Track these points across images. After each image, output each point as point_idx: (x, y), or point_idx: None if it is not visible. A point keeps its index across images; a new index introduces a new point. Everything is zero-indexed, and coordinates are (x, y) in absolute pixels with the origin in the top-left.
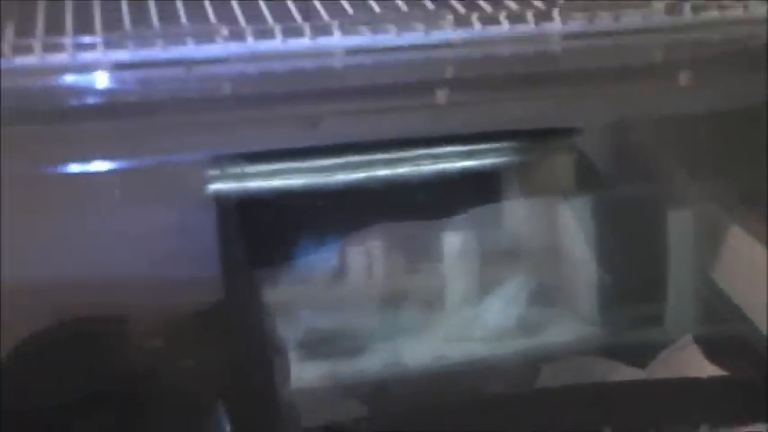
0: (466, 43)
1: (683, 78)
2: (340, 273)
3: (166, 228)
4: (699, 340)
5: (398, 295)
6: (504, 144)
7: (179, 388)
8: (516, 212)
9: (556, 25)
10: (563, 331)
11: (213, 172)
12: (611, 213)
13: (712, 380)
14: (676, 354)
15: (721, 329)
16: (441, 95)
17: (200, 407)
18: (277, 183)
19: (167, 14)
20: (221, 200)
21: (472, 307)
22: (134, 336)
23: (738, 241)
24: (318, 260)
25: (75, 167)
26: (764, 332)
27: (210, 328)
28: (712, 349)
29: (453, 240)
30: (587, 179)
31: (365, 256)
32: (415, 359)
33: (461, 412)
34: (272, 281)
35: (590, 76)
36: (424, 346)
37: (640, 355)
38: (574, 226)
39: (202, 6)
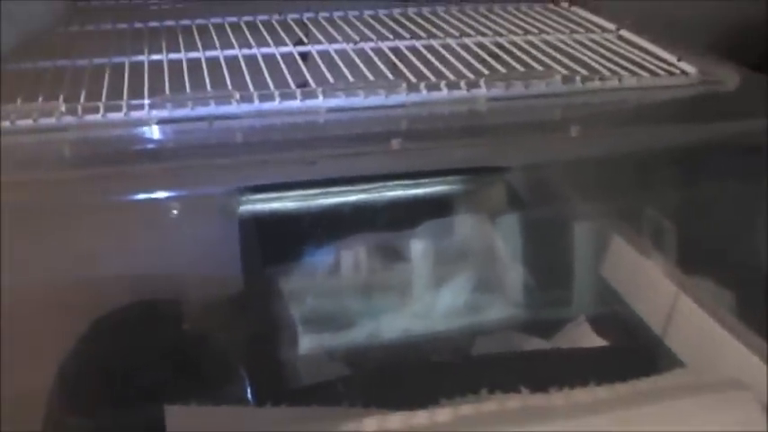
0: (415, 104)
1: (574, 131)
2: (333, 269)
3: (204, 239)
4: (590, 320)
5: (377, 285)
6: (447, 178)
7: (213, 355)
8: (461, 226)
9: (482, 91)
10: (495, 312)
11: (235, 199)
12: (530, 227)
13: (599, 349)
14: (573, 330)
15: (607, 311)
16: (395, 143)
17: (228, 368)
18: (284, 205)
19: (197, 82)
20: (242, 219)
21: (431, 294)
22: (183, 316)
23: (620, 247)
24: (317, 260)
25: (134, 197)
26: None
27: (236, 311)
28: (600, 326)
29: (417, 246)
30: (512, 202)
31: (352, 257)
32: (387, 333)
33: (416, 373)
34: (284, 275)
35: (508, 128)
36: (395, 323)
37: (549, 329)
38: (503, 236)
39: (223, 76)
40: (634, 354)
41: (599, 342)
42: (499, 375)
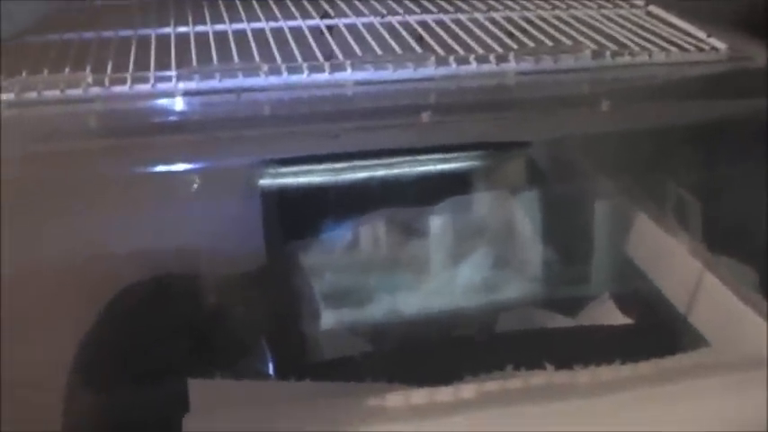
0: (444, 78)
1: (605, 106)
2: (354, 244)
3: (226, 213)
4: (614, 297)
5: (396, 261)
6: (472, 153)
7: (234, 329)
8: (482, 202)
9: (511, 65)
10: (515, 289)
11: (259, 172)
12: (552, 203)
13: (623, 327)
14: (597, 307)
15: (631, 289)
16: (425, 116)
17: (249, 343)
18: (307, 179)
19: (224, 54)
20: (265, 192)
21: (449, 270)
22: (204, 290)
23: (644, 224)
24: (338, 235)
25: (158, 168)
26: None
27: (257, 285)
28: (624, 304)
29: (436, 222)
30: (534, 178)
31: (372, 232)
32: (407, 309)
33: (439, 350)
34: (305, 250)
35: (536, 103)
36: (415, 299)
37: (572, 307)
38: (524, 212)
39: (250, 48)
40: (658, 332)
41: (623, 320)
42: (523, 352)
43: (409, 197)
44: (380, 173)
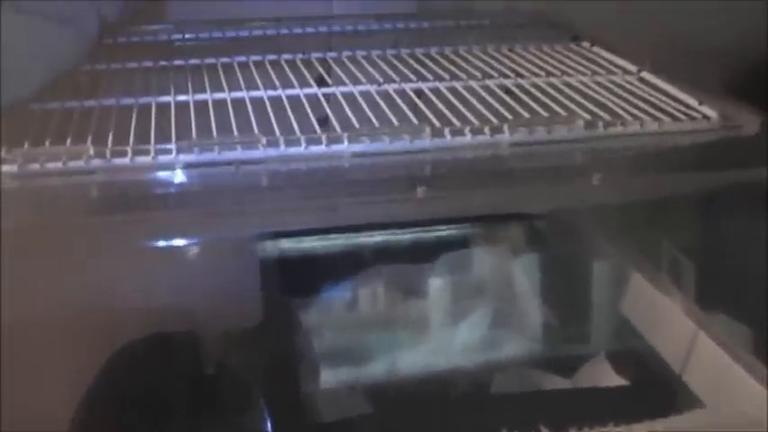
0: (439, 149)
1: (596, 179)
2: (352, 304)
3: (226, 279)
4: (609, 357)
5: (395, 320)
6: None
7: (233, 387)
8: (481, 263)
9: (506, 136)
10: (513, 348)
11: (257, 244)
12: (550, 264)
13: (617, 388)
14: (593, 367)
15: (626, 348)
16: (420, 192)
17: (248, 401)
18: (305, 247)
19: (223, 123)
20: (264, 261)
21: (449, 329)
22: (202, 348)
23: (639, 285)
24: (336, 295)
25: (158, 243)
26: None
27: (256, 342)
28: (619, 363)
29: (435, 281)
30: (532, 241)
31: (370, 291)
32: (406, 367)
33: (436, 411)
34: (303, 309)
35: (529, 174)
36: (414, 359)
37: (569, 366)
38: (521, 273)
39: (249, 116)
40: (653, 392)
41: (618, 380)
42: (519, 413)
43: (406, 262)
44: (377, 240)
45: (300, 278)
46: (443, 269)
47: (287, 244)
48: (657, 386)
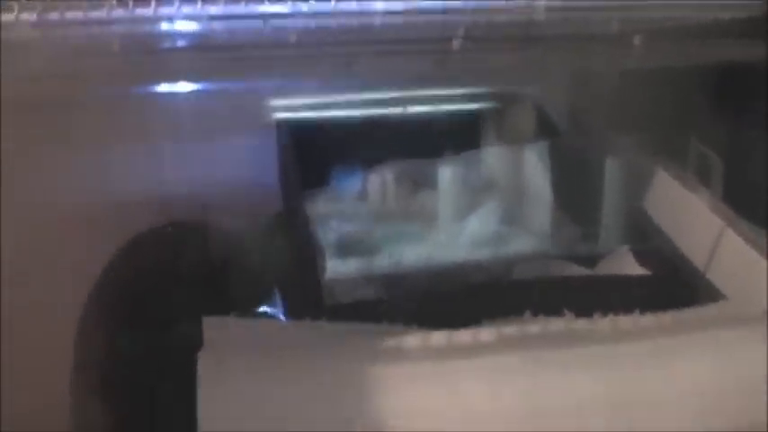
0: (473, 11)
1: (636, 40)
2: (363, 194)
3: (242, 150)
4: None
5: (404, 212)
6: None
7: (247, 276)
8: (492, 155)
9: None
10: (523, 245)
11: (275, 103)
12: (567, 157)
13: (642, 277)
14: (616, 259)
15: (648, 246)
16: (456, 43)
17: (261, 290)
18: (321, 113)
19: None
20: (280, 125)
21: (457, 223)
22: (215, 238)
23: (663, 181)
24: (349, 184)
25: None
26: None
27: (271, 231)
28: (641, 259)
29: (445, 173)
30: (548, 131)
31: (381, 182)
32: (414, 260)
33: (456, 295)
34: (317, 199)
35: (564, 39)
36: (422, 251)
37: (586, 264)
38: (536, 166)
39: None
40: (677, 284)
41: (640, 271)
42: (542, 299)
43: (420, 142)
44: (394, 112)
45: (317, 161)
46: (454, 163)
47: (304, 112)
48: (681, 279)
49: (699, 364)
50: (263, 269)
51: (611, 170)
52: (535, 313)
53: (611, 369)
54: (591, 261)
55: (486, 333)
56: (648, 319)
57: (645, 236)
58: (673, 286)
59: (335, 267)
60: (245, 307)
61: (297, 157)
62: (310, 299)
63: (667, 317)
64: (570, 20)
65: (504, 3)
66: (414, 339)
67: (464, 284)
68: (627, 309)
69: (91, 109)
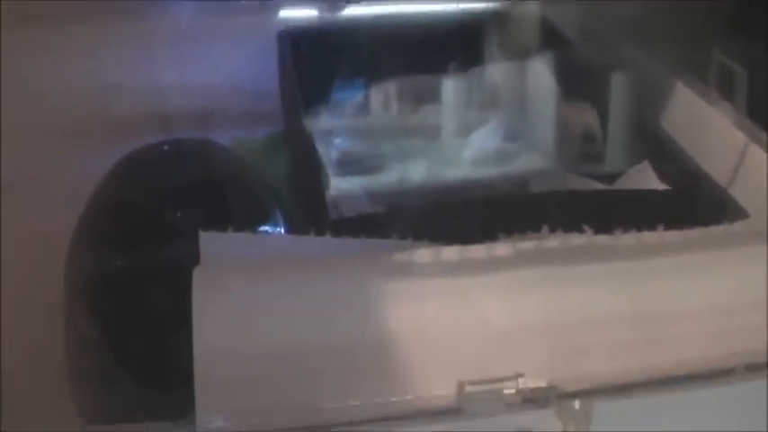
0: None
1: None
2: (365, 110)
3: (243, 59)
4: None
5: (407, 128)
6: None
7: (250, 191)
8: (496, 71)
9: None
10: (529, 162)
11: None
12: (574, 70)
13: (665, 192)
14: (636, 175)
15: (667, 164)
16: None
17: (264, 206)
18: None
19: None
20: (282, 37)
21: (461, 139)
22: (216, 152)
23: (682, 95)
24: (350, 100)
25: None
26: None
27: (274, 146)
28: (661, 175)
29: (448, 88)
30: (551, 42)
31: (383, 97)
32: (418, 177)
33: (469, 208)
34: (316, 113)
35: None
36: (425, 168)
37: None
38: (540, 79)
39: None
40: (700, 199)
41: (661, 186)
42: (560, 213)
43: (423, 55)
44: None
45: (316, 79)
46: (457, 78)
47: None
48: (705, 194)
49: (722, 280)
50: (263, 187)
51: (625, 84)
52: (553, 229)
53: (633, 283)
54: (610, 178)
55: (501, 248)
56: (672, 235)
57: (663, 154)
58: (695, 201)
59: (339, 184)
60: (245, 226)
61: (299, 71)
62: (314, 214)
63: (692, 233)
64: None
65: None
66: (424, 254)
67: (476, 198)
68: (649, 224)
69: (88, 16)
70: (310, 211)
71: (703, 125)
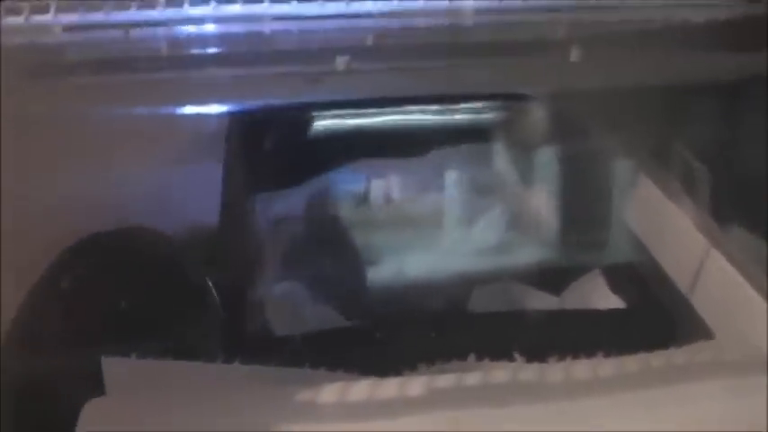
0: (384, 15)
1: (576, 54)
2: (363, 199)
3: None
4: (606, 272)
5: (406, 218)
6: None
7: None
8: (499, 158)
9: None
10: (529, 253)
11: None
12: (535, 157)
13: (610, 312)
14: (586, 284)
15: (627, 261)
16: (341, 62)
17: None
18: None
19: None
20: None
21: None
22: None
23: (647, 190)
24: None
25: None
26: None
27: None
28: (617, 278)
29: (451, 176)
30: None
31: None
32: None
33: (396, 330)
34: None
35: (496, 48)
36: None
37: (558, 278)
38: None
39: None
40: (652, 316)
41: (614, 299)
42: (492, 336)
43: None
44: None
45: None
46: (460, 165)
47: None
48: (659, 309)
49: (667, 423)
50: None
51: (594, 176)
52: (480, 356)
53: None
54: (560, 282)
55: (415, 385)
56: (611, 367)
57: (625, 250)
58: (648, 318)
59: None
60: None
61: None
62: (232, 329)
63: (634, 362)
64: (504, 25)
65: (422, 4)
66: (331, 392)
67: (406, 315)
68: (589, 350)
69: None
70: (230, 325)
71: (665, 224)
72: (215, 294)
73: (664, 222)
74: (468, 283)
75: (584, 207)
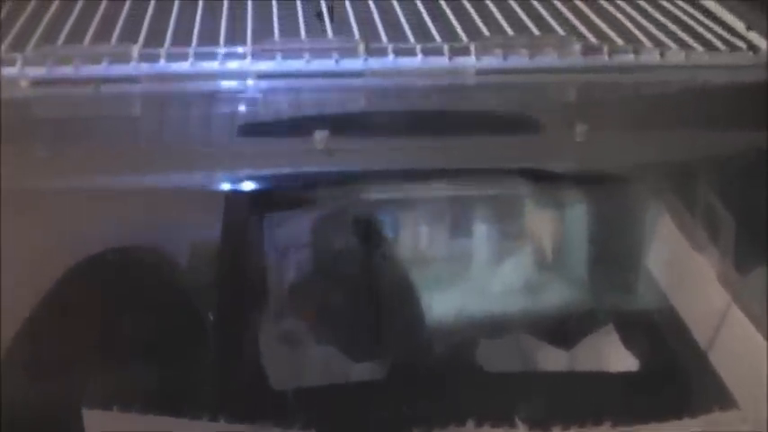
0: (377, 74)
1: (580, 132)
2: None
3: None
4: (620, 326)
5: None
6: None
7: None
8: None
9: (471, 60)
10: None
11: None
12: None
13: (623, 375)
14: (598, 339)
15: (645, 311)
16: (319, 138)
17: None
18: None
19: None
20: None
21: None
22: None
23: (671, 237)
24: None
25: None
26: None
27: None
28: (630, 333)
29: (480, 226)
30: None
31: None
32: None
33: (396, 392)
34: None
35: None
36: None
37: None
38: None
39: None
40: (665, 381)
41: (627, 356)
42: (495, 398)
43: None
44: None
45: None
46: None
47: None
48: (673, 369)
49: None
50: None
51: (616, 221)
52: (480, 422)
53: None
54: (575, 332)
55: None
56: None
57: (645, 296)
58: (660, 383)
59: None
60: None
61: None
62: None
63: None
64: (508, 86)
65: (419, 61)
66: None
67: (408, 375)
68: (596, 418)
69: None
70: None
71: (687, 273)
72: (211, 332)
73: (686, 271)
74: (484, 327)
75: (611, 250)
